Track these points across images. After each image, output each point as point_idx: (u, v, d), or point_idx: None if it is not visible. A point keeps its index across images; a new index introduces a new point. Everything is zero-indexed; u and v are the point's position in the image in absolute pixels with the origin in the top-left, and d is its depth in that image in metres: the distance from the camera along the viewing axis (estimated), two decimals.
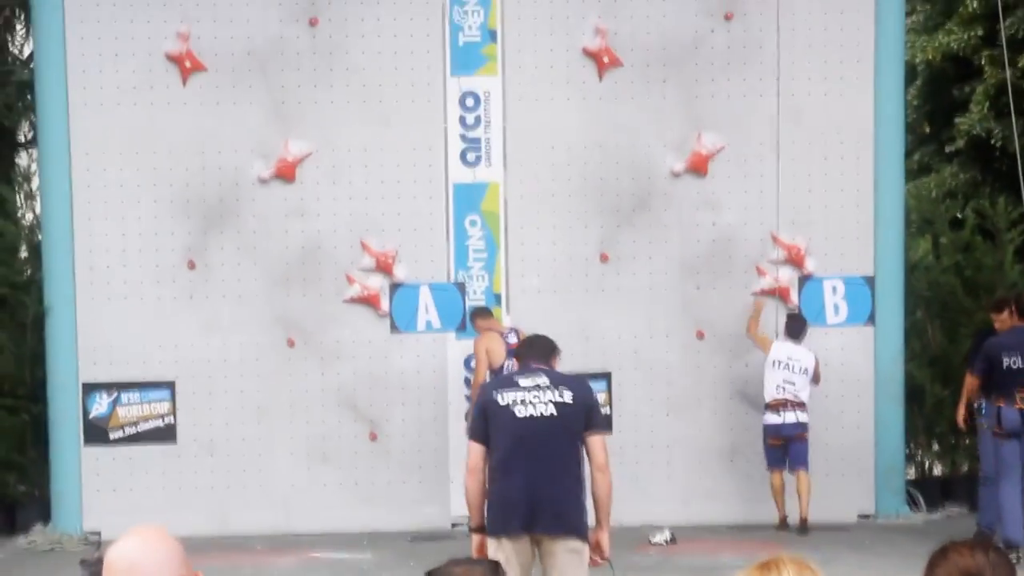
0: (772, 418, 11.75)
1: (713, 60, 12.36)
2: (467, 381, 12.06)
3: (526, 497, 6.34)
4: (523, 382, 6.44)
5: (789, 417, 11.69)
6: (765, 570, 2.92)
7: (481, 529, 6.51)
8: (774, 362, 11.74)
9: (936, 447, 13.57)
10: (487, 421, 6.42)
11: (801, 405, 11.70)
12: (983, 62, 18.73)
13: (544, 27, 12.30)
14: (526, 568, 6.48)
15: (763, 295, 12.30)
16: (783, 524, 11.77)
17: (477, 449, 6.45)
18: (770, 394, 11.74)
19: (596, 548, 6.52)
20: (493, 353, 11.64)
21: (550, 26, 12.30)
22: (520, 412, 6.34)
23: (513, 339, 11.79)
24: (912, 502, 12.64)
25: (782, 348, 11.81)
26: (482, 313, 11.98)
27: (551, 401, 6.36)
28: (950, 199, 16.10)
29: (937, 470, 13.89)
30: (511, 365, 11.07)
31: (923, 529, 11.61)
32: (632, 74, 12.36)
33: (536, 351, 6.72)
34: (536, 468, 6.33)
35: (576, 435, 6.40)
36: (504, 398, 6.39)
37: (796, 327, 11.94)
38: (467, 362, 12.16)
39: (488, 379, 11.11)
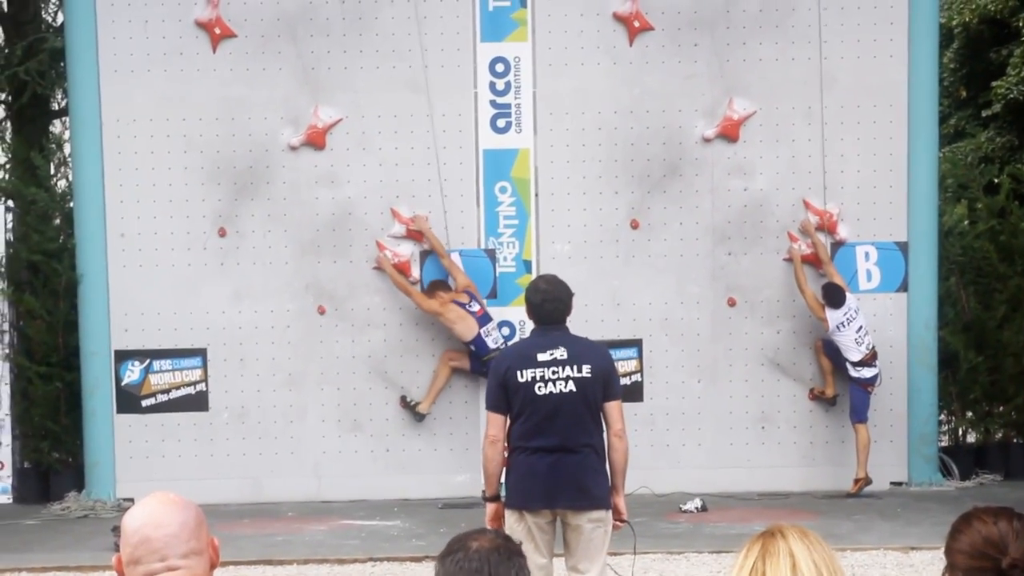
0: (869, 372, 11.81)
1: (745, 24, 12.26)
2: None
3: (547, 473, 6.28)
4: (541, 356, 6.31)
5: (877, 366, 11.84)
6: (769, 537, 2.89)
7: (496, 499, 6.48)
8: (839, 325, 11.69)
9: (969, 415, 13.47)
10: (507, 393, 6.35)
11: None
12: (1021, 24, 18.54)
13: None
14: (548, 541, 6.45)
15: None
16: (867, 483, 11.79)
17: (498, 419, 6.38)
18: (858, 351, 11.74)
19: (614, 512, 6.48)
20: (464, 331, 11.76)
21: None
22: (540, 390, 6.26)
23: (476, 307, 11.76)
24: (945, 470, 12.57)
25: (835, 311, 11.74)
26: (440, 285, 12.04)
27: (570, 377, 6.27)
28: (986, 164, 15.95)
29: (970, 438, 13.80)
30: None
31: (956, 497, 11.53)
32: (663, 38, 12.26)
33: (553, 316, 6.46)
34: (557, 445, 6.28)
35: (595, 406, 6.34)
36: (523, 375, 6.29)
37: (837, 295, 11.81)
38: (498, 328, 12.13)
39: (502, 346, 11.20)
